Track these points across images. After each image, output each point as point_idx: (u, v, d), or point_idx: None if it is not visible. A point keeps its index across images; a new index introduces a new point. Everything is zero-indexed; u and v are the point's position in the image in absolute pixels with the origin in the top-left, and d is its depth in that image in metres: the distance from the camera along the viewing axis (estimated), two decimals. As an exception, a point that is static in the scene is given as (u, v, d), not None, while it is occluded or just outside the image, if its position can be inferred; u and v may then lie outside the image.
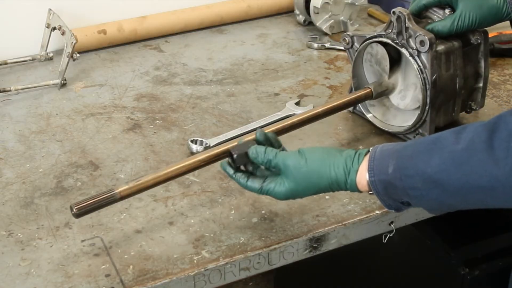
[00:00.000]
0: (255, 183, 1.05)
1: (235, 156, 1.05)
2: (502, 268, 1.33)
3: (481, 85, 1.34)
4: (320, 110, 1.25)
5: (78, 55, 1.52)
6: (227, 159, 1.08)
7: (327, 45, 1.72)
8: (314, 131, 1.33)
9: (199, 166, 1.11)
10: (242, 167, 1.08)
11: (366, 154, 1.01)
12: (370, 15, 1.92)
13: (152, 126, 1.39)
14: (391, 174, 0.95)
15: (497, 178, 0.86)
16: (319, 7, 1.73)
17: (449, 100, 1.29)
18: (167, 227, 1.11)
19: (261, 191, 1.04)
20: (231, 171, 1.07)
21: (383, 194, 0.98)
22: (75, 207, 1.00)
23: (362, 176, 0.99)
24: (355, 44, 1.34)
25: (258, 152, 1.04)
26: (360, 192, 1.01)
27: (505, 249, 1.41)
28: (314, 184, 1.02)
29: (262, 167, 1.07)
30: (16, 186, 1.21)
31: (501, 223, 1.46)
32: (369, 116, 1.37)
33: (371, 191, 0.99)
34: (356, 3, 1.76)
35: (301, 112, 1.39)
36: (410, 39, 1.23)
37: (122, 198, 1.04)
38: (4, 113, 1.43)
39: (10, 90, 1.49)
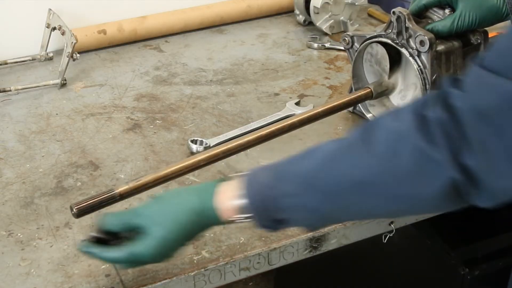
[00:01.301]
0: (119, 252, 0.93)
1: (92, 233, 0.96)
2: (502, 268, 1.33)
3: (481, 85, 1.34)
4: (320, 110, 1.25)
5: (78, 55, 1.52)
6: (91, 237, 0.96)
7: (327, 45, 1.72)
8: (314, 131, 1.33)
9: (199, 166, 1.11)
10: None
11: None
12: (370, 15, 1.91)
13: (152, 126, 1.39)
14: (264, 182, 0.88)
15: (375, 172, 0.82)
16: (319, 7, 1.73)
17: (449, 100, 1.29)
18: (167, 227, 1.11)
19: (127, 260, 0.93)
20: (87, 247, 0.95)
21: (254, 210, 0.89)
22: (75, 207, 1.00)
23: (225, 196, 0.91)
24: (355, 44, 1.34)
25: (113, 217, 0.95)
26: (222, 220, 0.92)
27: (505, 249, 1.41)
28: (175, 217, 0.92)
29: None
30: (16, 186, 1.21)
31: (501, 223, 1.46)
32: (369, 116, 1.37)
33: (234, 214, 0.91)
34: (356, 3, 1.76)
35: (301, 112, 1.39)
36: (410, 39, 1.23)
37: (122, 198, 1.04)
38: (4, 113, 1.43)
39: (10, 90, 1.49)
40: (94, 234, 0.95)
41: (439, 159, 0.78)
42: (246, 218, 0.91)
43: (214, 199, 0.92)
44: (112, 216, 0.96)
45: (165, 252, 0.94)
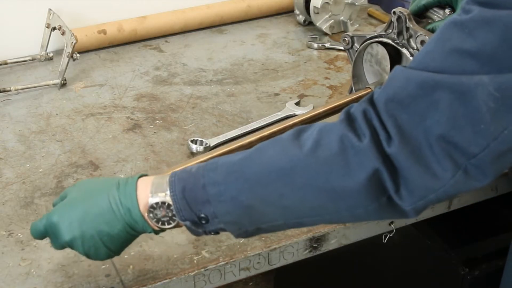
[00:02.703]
0: (40, 221, 0.92)
1: None
2: (502, 268, 1.33)
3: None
4: (321, 110, 1.25)
5: (78, 55, 1.52)
6: None
7: (327, 45, 1.72)
8: (314, 131, 1.33)
9: None
10: None
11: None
12: (370, 15, 1.92)
13: (152, 126, 1.39)
14: (193, 172, 0.86)
15: (298, 158, 0.82)
16: (319, 7, 1.73)
17: (449, 100, 1.29)
18: (167, 227, 1.11)
19: (44, 226, 0.91)
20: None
21: (180, 199, 0.85)
22: None
23: (147, 183, 0.87)
24: (355, 44, 1.34)
25: (32, 227, 0.94)
26: (140, 214, 0.88)
27: (505, 249, 1.41)
28: (87, 195, 0.89)
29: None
30: (16, 186, 1.21)
31: (501, 223, 1.46)
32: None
33: (154, 200, 0.86)
34: (356, 3, 1.76)
35: (301, 112, 1.39)
36: (411, 39, 1.23)
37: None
38: (4, 113, 1.43)
39: (10, 90, 1.49)
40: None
41: (363, 148, 0.79)
42: (165, 209, 0.87)
43: (137, 183, 0.88)
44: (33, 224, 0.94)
45: (68, 222, 0.89)
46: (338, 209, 0.83)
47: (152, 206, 0.87)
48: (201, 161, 1.11)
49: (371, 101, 0.82)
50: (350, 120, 0.82)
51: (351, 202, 0.82)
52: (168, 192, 0.87)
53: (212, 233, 0.89)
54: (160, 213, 0.88)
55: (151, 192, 0.87)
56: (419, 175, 0.78)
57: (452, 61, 0.78)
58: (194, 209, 0.86)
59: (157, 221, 0.89)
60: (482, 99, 0.75)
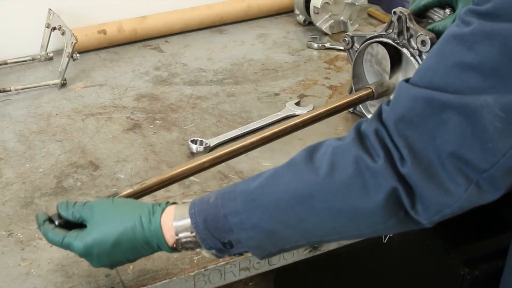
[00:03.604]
0: (58, 234, 0.93)
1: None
2: (502, 268, 1.33)
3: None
4: (322, 111, 1.25)
5: (78, 55, 1.52)
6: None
7: (327, 45, 1.72)
8: (315, 131, 1.32)
9: (202, 169, 1.11)
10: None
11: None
12: (370, 15, 1.92)
13: (152, 126, 1.39)
14: (212, 202, 0.89)
15: (315, 184, 0.84)
16: (319, 7, 1.73)
17: (449, 100, 1.29)
18: (167, 227, 1.11)
19: (63, 244, 0.93)
20: (42, 218, 0.96)
21: (203, 230, 0.89)
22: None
23: (169, 216, 0.91)
24: (355, 44, 1.34)
25: (67, 204, 0.95)
26: (168, 246, 0.91)
27: (505, 249, 1.41)
28: (116, 227, 0.91)
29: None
30: (16, 186, 1.20)
31: (501, 223, 1.45)
32: (369, 116, 1.37)
33: (178, 234, 0.90)
34: (356, 3, 1.76)
35: (301, 112, 1.39)
36: (411, 39, 1.23)
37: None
38: (4, 113, 1.43)
39: (10, 90, 1.49)
40: (54, 218, 0.96)
41: (378, 169, 0.81)
42: (190, 238, 0.90)
43: (163, 217, 0.91)
44: (66, 204, 0.96)
45: (98, 254, 0.92)
46: (359, 227, 0.86)
47: (179, 241, 0.91)
48: (204, 161, 1.11)
49: (381, 119, 0.83)
50: (361, 139, 0.84)
51: (371, 220, 0.84)
52: (191, 224, 0.90)
53: (237, 255, 0.93)
54: (187, 245, 0.91)
55: (176, 231, 0.91)
56: (433, 193, 0.80)
57: (455, 76, 0.79)
58: (218, 236, 0.89)
59: (183, 249, 0.93)
60: (488, 120, 0.76)
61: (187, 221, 0.90)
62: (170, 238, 0.91)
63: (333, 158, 0.84)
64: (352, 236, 0.90)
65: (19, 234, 1.09)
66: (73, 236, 0.92)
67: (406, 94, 0.82)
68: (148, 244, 0.91)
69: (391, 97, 0.85)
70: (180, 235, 0.90)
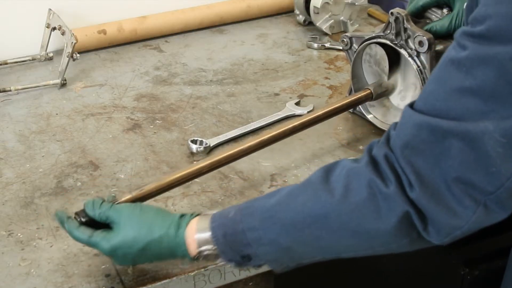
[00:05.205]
0: (84, 233, 0.96)
1: (78, 212, 0.99)
2: (502, 268, 1.33)
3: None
4: (321, 112, 1.25)
5: (78, 55, 1.52)
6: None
7: (327, 45, 1.72)
8: (315, 132, 1.33)
9: (202, 173, 1.11)
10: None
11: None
12: (370, 15, 1.92)
13: (152, 126, 1.39)
14: (231, 217, 0.93)
15: (330, 204, 0.87)
16: (319, 7, 1.73)
17: (448, 100, 1.29)
18: (167, 227, 1.11)
19: (89, 242, 0.96)
20: (64, 215, 0.99)
21: (223, 243, 0.93)
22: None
23: (192, 229, 0.94)
24: (354, 45, 1.34)
25: (94, 203, 0.98)
26: (190, 257, 0.95)
27: (505, 249, 1.41)
28: (144, 235, 0.94)
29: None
30: (16, 186, 1.21)
31: (501, 223, 1.45)
32: (369, 117, 1.37)
33: (200, 246, 0.94)
34: (356, 3, 1.76)
35: (301, 112, 1.39)
36: (409, 40, 1.23)
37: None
38: (4, 113, 1.44)
39: (10, 90, 1.49)
40: (79, 215, 0.99)
41: (391, 194, 0.83)
42: (211, 251, 0.94)
43: (188, 229, 0.95)
44: (92, 203, 0.99)
45: (123, 255, 0.96)
46: (373, 246, 0.89)
47: (201, 253, 0.95)
48: (203, 166, 1.12)
49: (389, 145, 0.86)
50: (374, 163, 0.86)
51: (384, 240, 0.88)
52: (212, 238, 0.93)
53: (256, 267, 0.96)
54: (208, 256, 0.95)
55: (198, 243, 0.94)
56: (442, 216, 0.83)
57: (456, 100, 0.81)
58: (237, 250, 0.93)
59: (205, 260, 0.97)
60: (490, 146, 0.78)
61: (208, 235, 0.93)
62: (193, 250, 0.94)
63: (348, 180, 0.87)
64: (366, 254, 0.92)
65: (19, 234, 1.09)
66: (100, 237, 0.95)
67: (410, 121, 0.84)
68: (173, 253, 0.96)
69: (398, 120, 0.88)
70: (202, 247, 0.94)
